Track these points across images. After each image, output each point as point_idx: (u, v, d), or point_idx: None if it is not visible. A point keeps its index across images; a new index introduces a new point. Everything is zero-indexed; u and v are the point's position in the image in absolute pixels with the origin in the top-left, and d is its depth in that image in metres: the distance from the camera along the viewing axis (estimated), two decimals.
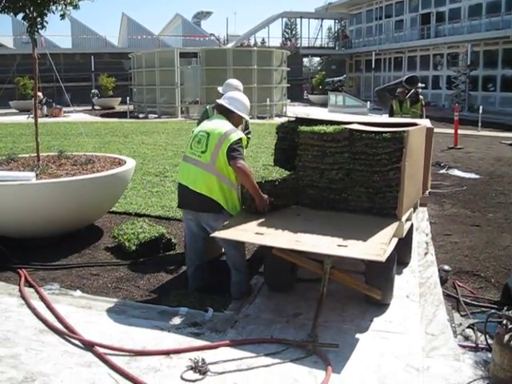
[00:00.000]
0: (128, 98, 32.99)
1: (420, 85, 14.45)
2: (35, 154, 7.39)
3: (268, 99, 30.35)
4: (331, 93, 35.31)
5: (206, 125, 5.09)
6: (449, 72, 35.21)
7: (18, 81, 35.68)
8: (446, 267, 5.71)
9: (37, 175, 6.41)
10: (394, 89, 14.56)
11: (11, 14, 7.02)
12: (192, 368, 3.62)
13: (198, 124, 5.73)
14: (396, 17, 44.57)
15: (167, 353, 3.85)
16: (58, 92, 34.22)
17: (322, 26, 56.22)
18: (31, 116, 27.37)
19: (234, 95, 5.23)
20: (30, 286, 5.18)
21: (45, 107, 29.92)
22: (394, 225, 4.44)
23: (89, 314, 4.56)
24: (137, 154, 13.88)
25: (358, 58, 49.95)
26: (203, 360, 3.68)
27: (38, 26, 7.03)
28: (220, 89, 6.23)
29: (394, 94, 13.34)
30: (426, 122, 5.89)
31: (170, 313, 4.51)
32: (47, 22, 7.08)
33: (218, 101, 5.28)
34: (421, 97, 12.79)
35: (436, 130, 5.95)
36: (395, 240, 4.39)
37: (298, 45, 55.16)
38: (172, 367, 3.67)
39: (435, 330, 4.28)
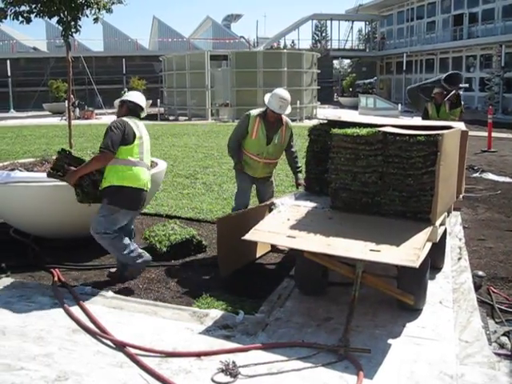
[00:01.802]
0: (158, 101, 33.34)
1: (463, 85, 12.50)
2: None
3: (298, 101, 30.26)
4: (362, 95, 35.17)
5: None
6: (482, 74, 34.69)
7: (51, 84, 36.33)
8: (480, 273, 5.61)
9: None
10: (429, 89, 12.52)
11: (46, 17, 7.14)
12: (223, 370, 3.62)
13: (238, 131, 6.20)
14: (428, 18, 44.11)
15: (198, 355, 3.85)
16: (90, 94, 34.79)
17: (352, 27, 56.03)
18: (64, 118, 27.86)
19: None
20: (63, 285, 5.25)
21: (77, 109, 30.39)
22: (428, 229, 4.37)
23: (120, 314, 4.60)
24: (167, 155, 13.98)
25: (389, 60, 49.54)
26: (234, 363, 3.68)
27: (72, 30, 7.14)
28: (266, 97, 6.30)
29: (429, 96, 11.48)
30: (460, 125, 5.80)
31: (201, 315, 4.52)
32: (81, 26, 7.20)
33: None
34: (462, 102, 11.22)
35: (469, 132, 5.85)
36: (429, 245, 4.33)
37: (328, 47, 55.02)
38: (203, 369, 3.67)
39: (469, 337, 4.20)
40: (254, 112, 6.27)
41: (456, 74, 12.75)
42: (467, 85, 19.96)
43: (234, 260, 5.54)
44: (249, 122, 6.18)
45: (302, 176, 6.30)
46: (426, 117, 10.69)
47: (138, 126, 5.36)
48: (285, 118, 6.25)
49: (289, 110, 6.17)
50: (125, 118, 5.30)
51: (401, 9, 47.77)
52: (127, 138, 5.18)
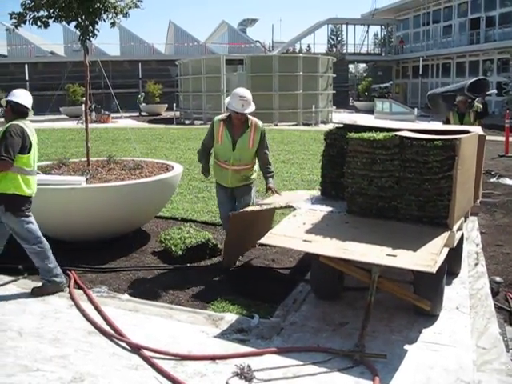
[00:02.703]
0: (174, 105, 33.50)
1: (491, 91, 11.36)
2: (85, 159, 7.56)
3: (313, 106, 30.27)
4: (377, 99, 34.99)
5: None
6: (499, 78, 34.38)
7: (68, 87, 36.62)
8: (498, 279, 5.56)
9: (87, 179, 6.54)
10: (451, 96, 11.12)
11: (64, 22, 7.21)
12: (238, 374, 3.62)
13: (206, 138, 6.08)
14: (444, 22, 43.86)
15: (213, 358, 3.85)
16: (107, 98, 34.98)
17: (368, 32, 55.88)
18: (81, 122, 28.04)
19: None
20: (79, 288, 5.29)
21: (93, 113, 30.58)
22: (445, 234, 4.34)
23: (136, 317, 4.62)
24: (183, 159, 14.03)
25: (405, 64, 49.32)
26: (249, 366, 3.67)
27: (90, 34, 7.19)
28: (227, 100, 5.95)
29: (451, 103, 10.29)
30: (477, 130, 5.76)
31: (216, 318, 4.53)
32: (98, 30, 7.25)
33: None
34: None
35: (486, 137, 5.80)
36: (446, 250, 4.29)
37: (344, 51, 54.92)
38: (218, 373, 3.67)
39: (487, 344, 4.16)
40: (219, 117, 6.00)
41: (481, 80, 11.64)
42: (495, 90, 18.23)
43: (236, 253, 5.76)
44: (213, 127, 5.94)
45: (273, 181, 6.06)
46: None
47: (32, 132, 5.21)
48: (254, 120, 5.92)
49: (252, 108, 5.82)
50: (20, 124, 5.10)
51: (417, 13, 47.54)
52: (25, 146, 5.05)
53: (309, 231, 4.53)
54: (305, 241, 4.35)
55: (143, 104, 39.25)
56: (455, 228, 4.55)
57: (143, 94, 40.11)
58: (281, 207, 5.83)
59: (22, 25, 7.04)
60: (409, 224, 4.57)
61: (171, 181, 7.04)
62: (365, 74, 59.39)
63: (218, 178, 6.12)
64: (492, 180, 11.64)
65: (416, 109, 30.39)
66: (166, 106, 38.88)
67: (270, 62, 30.59)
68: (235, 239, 5.70)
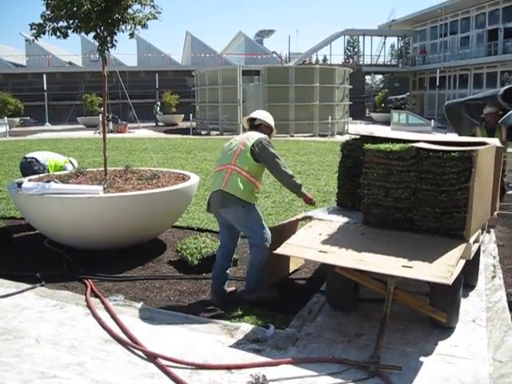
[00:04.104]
0: (191, 115, 33.69)
1: None
2: (102, 169, 7.62)
3: (330, 117, 30.28)
4: (394, 111, 34.93)
5: None
6: None
7: (85, 98, 37.02)
8: None
9: (104, 189, 6.60)
10: (479, 107, 8.66)
11: (83, 33, 7.30)
12: None
13: None
14: (461, 33, 43.76)
15: (228, 368, 3.86)
16: (124, 108, 35.29)
17: (384, 43, 55.82)
18: (98, 132, 28.32)
19: None
20: (96, 296, 5.33)
21: (111, 123, 30.86)
22: (462, 246, 4.31)
23: (152, 325, 4.64)
24: (199, 169, 14.09)
25: (422, 76, 49.21)
26: (264, 376, 3.67)
27: (108, 45, 7.27)
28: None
29: (478, 116, 8.33)
30: (494, 141, 5.73)
31: (231, 328, 4.54)
32: (117, 41, 7.33)
33: None
34: None
35: (507, 149, 5.77)
36: (462, 262, 4.27)
37: (361, 62, 54.92)
38: (233, 382, 3.68)
39: (503, 357, 4.12)
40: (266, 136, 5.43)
41: None
42: None
43: (269, 274, 5.47)
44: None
45: None
46: None
47: None
48: None
49: None
50: None
51: (434, 24, 47.49)
52: None
53: (325, 242, 4.53)
54: (320, 251, 4.36)
55: (159, 113, 39.48)
56: (472, 240, 4.53)
57: (159, 103, 40.38)
58: (297, 220, 5.85)
59: (42, 35, 7.14)
60: (425, 236, 4.56)
61: (187, 191, 7.08)
62: (381, 86, 59.40)
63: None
64: (510, 192, 11.53)
65: (433, 120, 30.29)
66: (183, 116, 39.10)
67: (287, 73, 30.68)
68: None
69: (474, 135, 7.53)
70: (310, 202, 5.46)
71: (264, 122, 5.47)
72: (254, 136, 5.26)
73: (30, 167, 8.20)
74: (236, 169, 5.13)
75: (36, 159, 8.33)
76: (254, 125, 5.50)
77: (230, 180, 5.12)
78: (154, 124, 38.39)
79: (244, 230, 5.27)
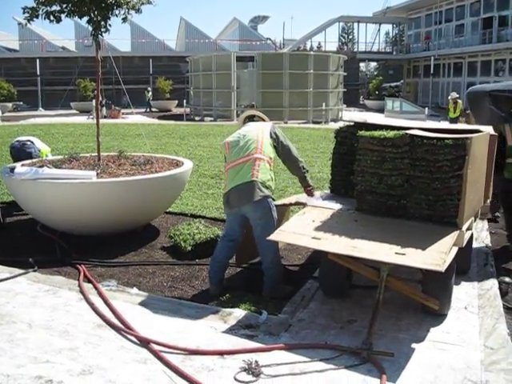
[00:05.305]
0: (184, 101, 33.59)
1: None
2: (95, 154, 7.60)
3: (324, 104, 30.25)
4: (388, 98, 34.96)
5: None
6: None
7: (79, 83, 36.81)
8: (507, 279, 5.54)
9: (97, 174, 6.58)
10: (507, 99, 6.84)
11: (76, 17, 7.23)
12: (245, 369, 3.63)
13: None
14: (456, 21, 43.66)
15: (221, 353, 3.87)
16: (117, 94, 35.12)
17: (379, 30, 55.66)
18: (91, 117, 28.20)
19: None
20: (89, 281, 5.32)
21: (104, 109, 30.71)
22: (454, 234, 4.33)
23: (144, 311, 4.64)
24: (193, 155, 14.07)
25: (416, 63, 49.11)
26: (257, 362, 3.69)
27: (102, 30, 7.21)
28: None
29: (506, 110, 6.70)
30: (488, 129, 5.73)
31: (224, 314, 4.54)
32: (110, 26, 7.27)
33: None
34: None
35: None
36: (455, 249, 4.29)
37: (355, 49, 54.79)
38: (225, 368, 3.69)
39: (495, 344, 4.15)
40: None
41: None
42: None
43: (250, 252, 5.63)
44: None
45: None
46: (502, 145, 6.15)
47: None
48: None
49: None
50: None
51: (429, 11, 47.34)
52: None
53: (318, 229, 4.53)
54: (314, 238, 4.36)
55: (150, 99, 39.17)
56: (465, 227, 4.54)
57: (150, 89, 40.09)
58: (290, 204, 5.85)
59: (35, 19, 7.06)
60: (418, 223, 4.57)
61: (181, 176, 7.06)
62: (376, 73, 59.24)
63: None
64: None
65: (427, 108, 30.31)
66: (177, 102, 38.95)
67: (281, 59, 30.58)
68: (248, 238, 5.59)
69: (501, 134, 6.26)
70: (310, 194, 5.48)
71: (263, 118, 5.66)
72: (264, 125, 5.36)
73: (24, 150, 8.16)
74: (263, 157, 5.03)
75: (31, 141, 8.30)
76: (253, 121, 5.61)
77: (261, 169, 4.98)
78: (145, 109, 38.14)
79: (265, 222, 4.98)
